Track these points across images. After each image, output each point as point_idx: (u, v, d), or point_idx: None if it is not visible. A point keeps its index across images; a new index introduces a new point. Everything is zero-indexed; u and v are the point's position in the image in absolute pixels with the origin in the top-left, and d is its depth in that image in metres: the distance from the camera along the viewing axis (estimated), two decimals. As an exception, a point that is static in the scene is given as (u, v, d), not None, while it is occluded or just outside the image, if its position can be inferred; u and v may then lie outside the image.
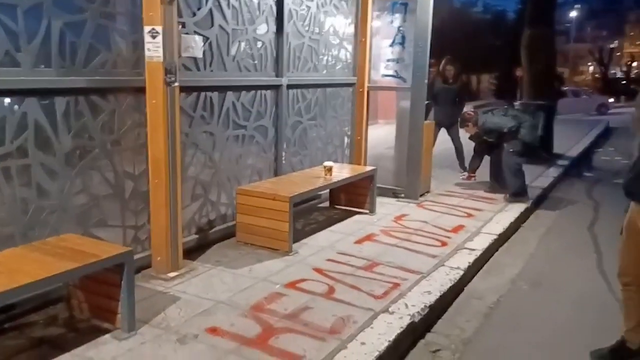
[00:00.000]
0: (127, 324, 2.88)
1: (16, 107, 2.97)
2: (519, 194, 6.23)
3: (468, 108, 18.22)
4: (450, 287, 3.77)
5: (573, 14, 39.51)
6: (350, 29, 6.07)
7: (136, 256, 3.43)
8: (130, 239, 3.72)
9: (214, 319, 3.12)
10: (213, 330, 2.98)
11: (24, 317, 3.06)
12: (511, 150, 6.24)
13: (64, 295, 3.16)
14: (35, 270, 2.53)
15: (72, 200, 3.32)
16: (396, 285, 3.69)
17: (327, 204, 5.80)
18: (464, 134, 7.15)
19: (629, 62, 45.00)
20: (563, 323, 3.49)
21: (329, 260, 4.14)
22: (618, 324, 3.03)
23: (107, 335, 2.88)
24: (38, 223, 3.13)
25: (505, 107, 7.14)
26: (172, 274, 3.69)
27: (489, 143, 6.54)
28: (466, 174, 7.30)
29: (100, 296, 2.97)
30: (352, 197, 5.60)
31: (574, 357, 3.02)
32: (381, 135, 7.28)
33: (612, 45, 43.98)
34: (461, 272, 4.02)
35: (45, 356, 2.67)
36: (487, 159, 6.92)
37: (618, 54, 46.90)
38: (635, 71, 44.97)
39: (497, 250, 4.86)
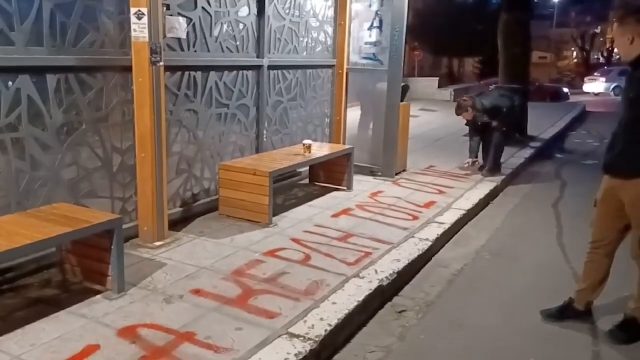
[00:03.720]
0: (117, 285, 3.12)
1: (10, 83, 3.16)
2: (495, 170, 6.73)
3: (448, 91, 18.23)
4: (418, 256, 4.06)
5: (557, -2, 39.84)
6: (330, 12, 6.27)
7: (124, 226, 3.62)
8: (118, 209, 3.94)
9: (197, 282, 3.38)
10: (197, 292, 3.24)
11: (19, 280, 3.29)
12: (504, 130, 6.67)
13: (56, 260, 3.39)
14: (32, 234, 2.75)
15: (64, 172, 3.54)
16: (368, 254, 3.98)
17: (307, 181, 6.06)
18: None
19: (610, 48, 45.60)
20: (519, 288, 3.81)
21: (306, 231, 4.41)
22: (569, 289, 3.36)
23: (98, 296, 3.13)
24: (32, 193, 3.35)
25: (493, 89, 7.43)
26: (157, 243, 3.94)
27: (483, 124, 6.83)
28: (469, 160, 7.06)
29: (91, 260, 3.21)
30: (330, 174, 5.87)
31: (526, 317, 3.33)
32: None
33: (595, 31, 44.46)
34: (429, 243, 4.32)
35: (42, 313, 2.90)
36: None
37: (601, 39, 47.45)
38: (617, 57, 45.60)
39: (465, 225, 5.18)
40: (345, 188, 5.77)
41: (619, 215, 2.97)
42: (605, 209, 3.05)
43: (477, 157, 7.05)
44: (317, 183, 5.96)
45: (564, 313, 3.25)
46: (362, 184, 6.02)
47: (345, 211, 5.03)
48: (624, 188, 2.88)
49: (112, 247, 3.08)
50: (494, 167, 6.75)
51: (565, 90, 25.15)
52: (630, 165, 2.83)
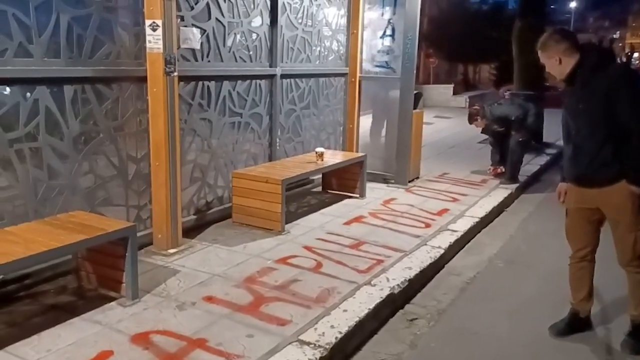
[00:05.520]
0: (131, 292, 3.18)
1: (28, 94, 3.25)
2: (512, 179, 6.70)
3: (463, 98, 18.18)
4: (430, 264, 4.06)
5: (573, 4, 39.52)
6: (343, 21, 6.33)
7: (139, 233, 3.69)
8: (133, 217, 4.00)
9: (210, 289, 3.42)
10: (209, 299, 3.27)
11: (36, 286, 3.36)
12: (520, 139, 6.64)
13: (72, 268, 3.45)
14: (49, 241, 2.82)
15: (80, 180, 3.61)
16: (379, 261, 3.99)
17: (319, 188, 6.09)
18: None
19: (629, 53, 45.01)
20: (532, 296, 3.78)
21: (318, 239, 4.43)
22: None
23: (113, 302, 3.18)
24: (49, 201, 3.42)
25: (508, 97, 7.47)
26: (171, 250, 3.99)
27: (500, 133, 6.83)
28: (491, 168, 7.13)
29: (106, 267, 3.26)
30: (343, 182, 5.89)
31: (538, 325, 3.30)
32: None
33: (613, 36, 44.01)
34: (442, 251, 4.31)
35: (58, 320, 2.96)
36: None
37: (620, 44, 46.87)
38: (636, 62, 44.97)
39: (479, 232, 5.15)
40: (358, 196, 5.78)
41: (592, 220, 3.02)
42: (579, 217, 3.06)
43: (498, 164, 7.06)
44: (330, 191, 5.98)
45: (573, 326, 3.21)
46: (375, 192, 6.03)
47: (358, 219, 5.05)
48: (606, 195, 2.86)
49: (126, 254, 3.13)
50: (512, 176, 6.72)
51: None
52: (607, 171, 2.82)
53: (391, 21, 6.24)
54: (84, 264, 3.38)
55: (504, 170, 6.94)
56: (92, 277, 3.36)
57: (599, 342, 3.13)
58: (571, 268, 3.18)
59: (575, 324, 3.20)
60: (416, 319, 3.42)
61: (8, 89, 3.16)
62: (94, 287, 3.35)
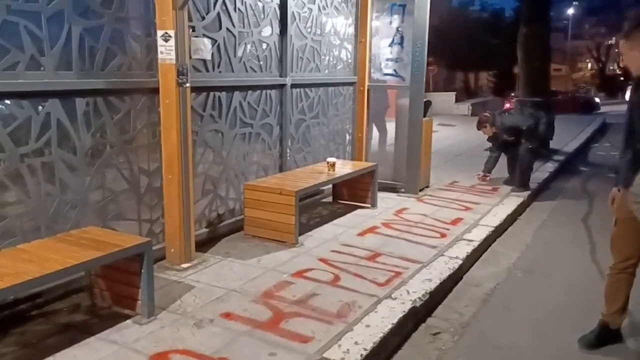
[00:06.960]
0: (147, 310, 3.08)
1: (40, 107, 3.17)
2: (523, 186, 6.64)
3: (466, 106, 18.23)
4: (449, 275, 3.96)
5: (571, 11, 39.71)
6: (351, 30, 6.27)
7: (151, 248, 3.63)
8: (145, 231, 3.92)
9: (227, 305, 3.32)
10: (227, 315, 3.18)
11: (48, 305, 3.26)
12: (529, 147, 6.59)
13: (85, 285, 3.36)
14: (64, 259, 2.72)
15: (92, 195, 3.53)
16: (398, 273, 3.89)
17: (330, 199, 6.01)
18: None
19: (626, 58, 45.08)
20: (553, 306, 3.69)
21: (333, 251, 4.34)
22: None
23: (128, 321, 3.08)
24: (61, 216, 3.34)
25: (520, 106, 7.47)
26: (185, 265, 3.90)
27: (507, 142, 6.78)
28: (481, 173, 7.16)
29: (120, 284, 3.17)
30: (354, 192, 5.80)
31: (563, 337, 3.21)
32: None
33: (610, 42, 44.20)
34: (460, 262, 4.22)
35: (73, 339, 2.86)
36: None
37: (616, 50, 47.01)
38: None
39: (494, 242, 5.06)
40: (369, 206, 5.70)
41: None
42: (628, 227, 2.93)
43: (490, 172, 7.09)
44: (341, 201, 5.90)
45: (603, 339, 3.11)
46: (386, 201, 5.95)
47: (372, 229, 4.96)
48: None
49: (142, 270, 3.04)
50: (522, 184, 6.66)
51: (597, 100, 25.36)
52: None
53: (399, 29, 6.18)
54: (97, 280, 3.28)
55: (489, 178, 7.03)
56: (105, 295, 3.27)
57: (631, 355, 3.04)
58: (609, 278, 3.07)
59: (606, 336, 3.10)
60: (439, 333, 3.32)
61: (13, 102, 3.07)
62: (108, 305, 3.26)
